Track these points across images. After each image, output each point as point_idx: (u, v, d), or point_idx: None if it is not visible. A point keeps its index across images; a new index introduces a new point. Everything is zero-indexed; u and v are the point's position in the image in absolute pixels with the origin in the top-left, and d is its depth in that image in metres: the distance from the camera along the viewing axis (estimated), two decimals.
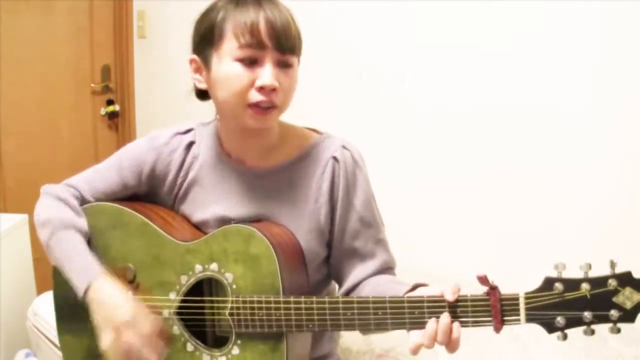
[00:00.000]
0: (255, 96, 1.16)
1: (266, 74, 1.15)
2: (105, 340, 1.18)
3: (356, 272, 1.27)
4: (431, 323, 1.05)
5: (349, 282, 1.28)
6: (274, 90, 1.16)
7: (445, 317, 1.05)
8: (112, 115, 3.36)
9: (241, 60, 1.16)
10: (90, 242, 1.30)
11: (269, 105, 1.17)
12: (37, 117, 3.11)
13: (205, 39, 1.21)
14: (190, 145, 1.32)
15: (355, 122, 2.39)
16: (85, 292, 1.21)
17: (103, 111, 3.34)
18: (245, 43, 1.15)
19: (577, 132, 1.97)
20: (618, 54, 1.88)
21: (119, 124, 3.41)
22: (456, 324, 1.05)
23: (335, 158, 1.25)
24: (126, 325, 1.16)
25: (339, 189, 1.25)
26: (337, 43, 2.49)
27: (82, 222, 1.30)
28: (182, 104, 2.96)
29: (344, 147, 1.26)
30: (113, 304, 1.19)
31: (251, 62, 1.16)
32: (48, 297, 2.09)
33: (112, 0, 3.27)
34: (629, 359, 1.64)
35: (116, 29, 3.31)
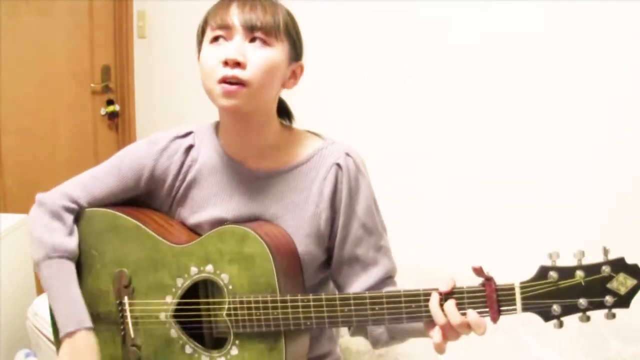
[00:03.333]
0: (220, 71, 1.16)
1: (230, 46, 1.17)
2: None
3: (360, 281, 1.27)
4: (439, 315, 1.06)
5: (352, 291, 1.26)
6: (238, 64, 1.15)
7: (450, 304, 1.06)
8: (112, 115, 3.36)
9: (213, 41, 1.20)
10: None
11: (234, 81, 1.16)
12: (37, 117, 3.11)
13: (198, 36, 1.26)
14: (189, 148, 1.32)
15: (356, 122, 2.39)
16: (67, 335, 1.24)
17: (103, 111, 3.34)
18: (215, 25, 1.19)
19: (578, 131, 1.97)
20: (616, 54, 1.88)
21: (119, 124, 3.40)
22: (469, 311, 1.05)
23: (338, 165, 1.25)
24: None
25: (341, 195, 1.25)
26: (337, 43, 2.49)
27: (73, 244, 1.30)
28: (181, 103, 2.97)
29: (347, 154, 1.26)
30: None
31: (220, 42, 1.18)
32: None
33: (112, 0, 3.27)
34: (629, 359, 1.64)
35: (116, 29, 3.30)
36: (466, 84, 2.19)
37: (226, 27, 1.18)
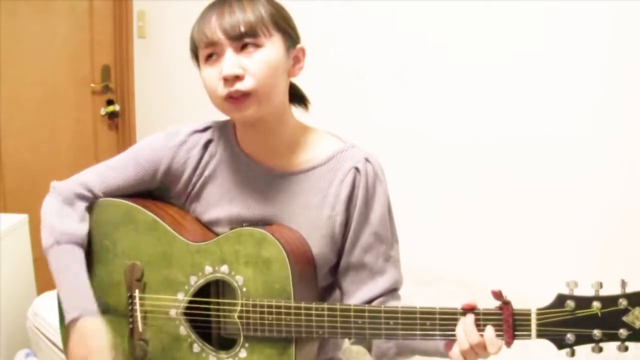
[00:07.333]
0: (222, 89, 1.16)
1: (223, 64, 1.15)
2: None
3: (365, 289, 1.25)
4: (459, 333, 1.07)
5: (357, 298, 1.25)
6: (237, 77, 1.15)
7: (470, 322, 1.06)
8: (112, 115, 3.37)
9: (207, 61, 1.19)
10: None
11: (238, 94, 1.16)
12: (37, 117, 3.11)
13: (192, 55, 1.25)
14: (208, 143, 1.31)
15: (356, 123, 2.39)
16: (72, 321, 1.22)
17: (103, 111, 3.34)
18: (204, 44, 1.18)
19: (581, 142, 1.96)
20: (619, 73, 1.86)
21: (119, 124, 3.41)
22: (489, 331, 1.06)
23: (357, 169, 1.24)
24: None
25: (357, 200, 1.24)
26: (336, 45, 2.48)
27: (83, 231, 1.30)
28: (181, 103, 2.96)
29: (367, 159, 1.25)
30: (91, 347, 1.20)
31: (214, 59, 1.17)
32: (48, 297, 2.09)
33: (112, 0, 3.28)
34: (630, 359, 1.63)
35: (116, 29, 3.31)
36: (471, 88, 2.18)
37: (214, 44, 1.16)
